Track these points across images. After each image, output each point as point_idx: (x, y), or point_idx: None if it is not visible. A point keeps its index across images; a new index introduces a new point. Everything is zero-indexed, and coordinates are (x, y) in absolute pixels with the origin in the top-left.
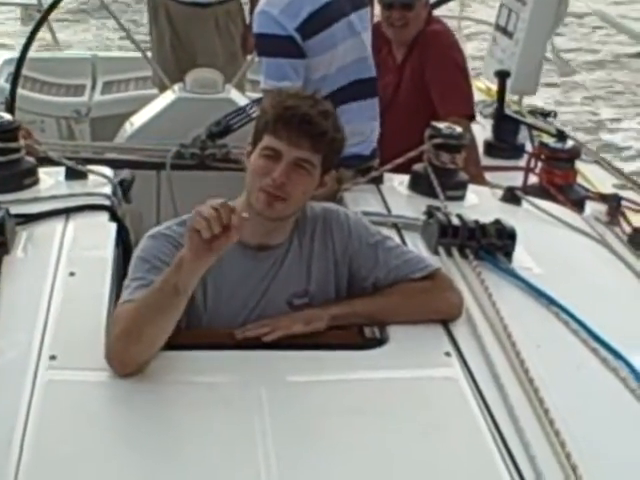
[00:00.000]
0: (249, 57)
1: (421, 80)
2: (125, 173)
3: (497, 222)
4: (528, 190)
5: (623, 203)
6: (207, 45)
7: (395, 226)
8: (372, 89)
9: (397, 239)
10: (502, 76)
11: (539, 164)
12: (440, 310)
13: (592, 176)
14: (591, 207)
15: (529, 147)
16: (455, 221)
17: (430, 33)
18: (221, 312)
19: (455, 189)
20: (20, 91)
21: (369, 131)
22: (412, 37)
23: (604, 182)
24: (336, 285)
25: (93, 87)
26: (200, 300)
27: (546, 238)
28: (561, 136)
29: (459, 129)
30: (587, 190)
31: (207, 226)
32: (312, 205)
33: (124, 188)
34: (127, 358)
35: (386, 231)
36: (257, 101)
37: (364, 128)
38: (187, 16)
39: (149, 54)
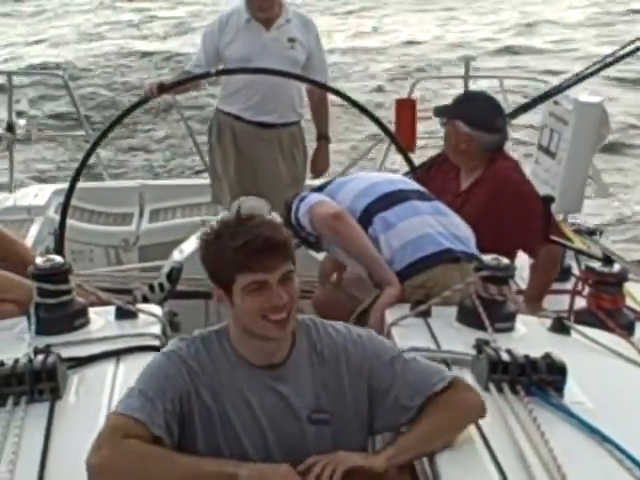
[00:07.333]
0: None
1: (485, 211)
2: (174, 263)
3: (547, 356)
4: (577, 314)
5: None
6: (270, 166)
7: (445, 361)
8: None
9: None
10: (546, 201)
11: (586, 287)
12: (468, 411)
13: None
14: None
15: (576, 269)
16: (505, 357)
17: (500, 170)
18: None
19: (504, 321)
20: (69, 221)
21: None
22: (473, 166)
23: None
24: (354, 398)
25: (141, 215)
26: (219, 429)
27: (597, 369)
28: (607, 260)
29: (505, 261)
30: (636, 312)
31: None
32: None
33: (173, 278)
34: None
35: None
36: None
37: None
38: (252, 135)
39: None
